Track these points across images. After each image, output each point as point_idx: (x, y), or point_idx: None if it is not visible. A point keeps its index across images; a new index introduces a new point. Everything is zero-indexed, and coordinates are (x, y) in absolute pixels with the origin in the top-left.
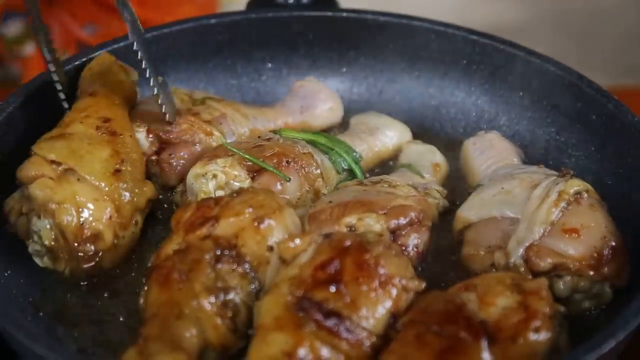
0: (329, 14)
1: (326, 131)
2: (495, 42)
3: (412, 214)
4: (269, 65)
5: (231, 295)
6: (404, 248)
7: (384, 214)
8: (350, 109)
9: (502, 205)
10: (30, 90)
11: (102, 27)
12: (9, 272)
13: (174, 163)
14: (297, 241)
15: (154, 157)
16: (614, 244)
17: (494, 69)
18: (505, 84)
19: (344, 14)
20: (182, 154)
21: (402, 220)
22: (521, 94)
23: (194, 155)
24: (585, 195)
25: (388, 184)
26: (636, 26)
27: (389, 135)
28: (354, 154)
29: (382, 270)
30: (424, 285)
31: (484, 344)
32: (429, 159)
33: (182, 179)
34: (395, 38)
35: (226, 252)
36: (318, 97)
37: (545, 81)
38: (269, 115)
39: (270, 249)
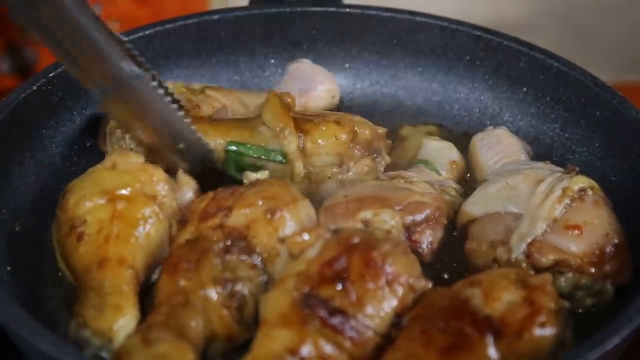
0: (332, 9)
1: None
2: (499, 37)
3: (428, 211)
4: (272, 61)
5: (239, 287)
6: (418, 245)
7: (400, 209)
8: (353, 106)
9: (506, 201)
10: (34, 86)
11: (108, 6)
12: (10, 267)
13: None
14: (306, 236)
15: None
16: (616, 241)
17: (497, 64)
18: (509, 80)
19: (347, 10)
20: None
21: (418, 217)
22: (525, 89)
23: None
24: (590, 192)
25: (404, 180)
26: None
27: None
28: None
29: (389, 269)
30: (430, 285)
31: (490, 339)
32: (446, 155)
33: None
34: (398, 34)
35: (236, 242)
36: (316, 79)
37: (549, 77)
38: None
39: (282, 241)
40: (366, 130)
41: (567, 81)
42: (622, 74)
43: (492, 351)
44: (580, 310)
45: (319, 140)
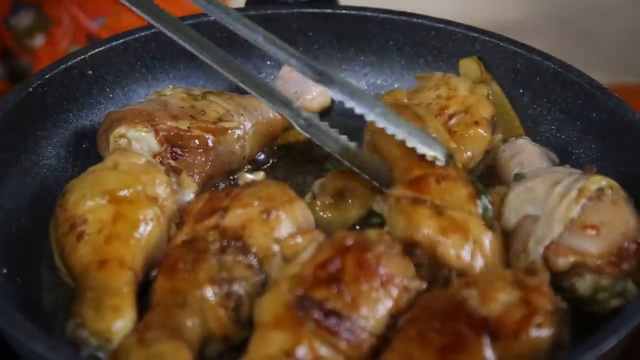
0: (329, 11)
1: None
2: (496, 39)
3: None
4: (268, 62)
5: (235, 287)
6: None
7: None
8: (349, 108)
9: (525, 204)
10: (30, 88)
11: (112, 20)
12: (6, 269)
13: (196, 170)
14: (299, 238)
15: (169, 161)
16: (635, 239)
17: (494, 66)
18: (506, 82)
19: (344, 11)
20: (200, 159)
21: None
22: (521, 91)
23: (213, 159)
24: (609, 191)
25: None
26: (637, 24)
27: None
28: None
29: (383, 270)
30: (425, 285)
31: (486, 340)
32: None
33: (202, 184)
34: (395, 35)
35: (232, 243)
36: (309, 82)
37: (546, 78)
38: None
39: (278, 241)
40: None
41: (564, 83)
42: (619, 76)
43: (488, 352)
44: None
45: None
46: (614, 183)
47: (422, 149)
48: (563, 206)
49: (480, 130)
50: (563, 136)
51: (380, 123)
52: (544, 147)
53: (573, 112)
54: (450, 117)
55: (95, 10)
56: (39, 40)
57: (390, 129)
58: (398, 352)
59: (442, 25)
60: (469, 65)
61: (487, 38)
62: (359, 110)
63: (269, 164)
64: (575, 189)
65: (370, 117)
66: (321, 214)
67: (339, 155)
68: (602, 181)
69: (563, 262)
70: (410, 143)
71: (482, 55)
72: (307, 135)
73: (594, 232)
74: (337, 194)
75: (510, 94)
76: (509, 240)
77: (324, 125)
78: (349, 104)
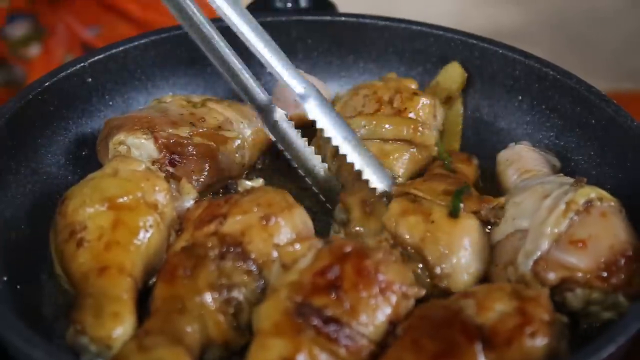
0: (328, 18)
1: None
2: (494, 46)
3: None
4: (268, 69)
5: (235, 293)
6: None
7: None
8: None
9: (514, 220)
10: (29, 96)
11: (107, 29)
12: (6, 277)
13: (194, 177)
14: (297, 246)
15: (167, 168)
16: (623, 252)
17: (492, 73)
18: (505, 88)
19: (343, 19)
20: (199, 166)
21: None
22: (520, 98)
23: (212, 166)
24: (598, 203)
25: None
26: (636, 30)
27: None
28: None
29: (381, 277)
30: (423, 292)
31: (479, 347)
32: None
33: (202, 190)
34: (394, 42)
35: (232, 249)
36: None
37: (545, 85)
38: None
39: (277, 247)
40: (405, 83)
41: (563, 89)
42: (617, 83)
43: (480, 359)
44: (585, 326)
45: (420, 113)
46: (604, 193)
47: (372, 182)
48: (551, 221)
49: (422, 99)
50: (562, 143)
51: (344, 150)
52: (546, 152)
53: (572, 119)
54: (391, 101)
55: (91, 20)
56: (34, 50)
57: (350, 157)
58: (392, 359)
59: (441, 33)
60: (455, 71)
61: (486, 45)
62: (328, 133)
63: (268, 171)
64: (563, 203)
65: (336, 142)
66: (358, 229)
67: (301, 170)
68: (590, 193)
69: (552, 276)
70: (365, 175)
71: (481, 63)
72: (270, 135)
73: (581, 247)
74: (364, 205)
75: (509, 100)
76: (493, 252)
77: (293, 130)
78: (321, 124)
